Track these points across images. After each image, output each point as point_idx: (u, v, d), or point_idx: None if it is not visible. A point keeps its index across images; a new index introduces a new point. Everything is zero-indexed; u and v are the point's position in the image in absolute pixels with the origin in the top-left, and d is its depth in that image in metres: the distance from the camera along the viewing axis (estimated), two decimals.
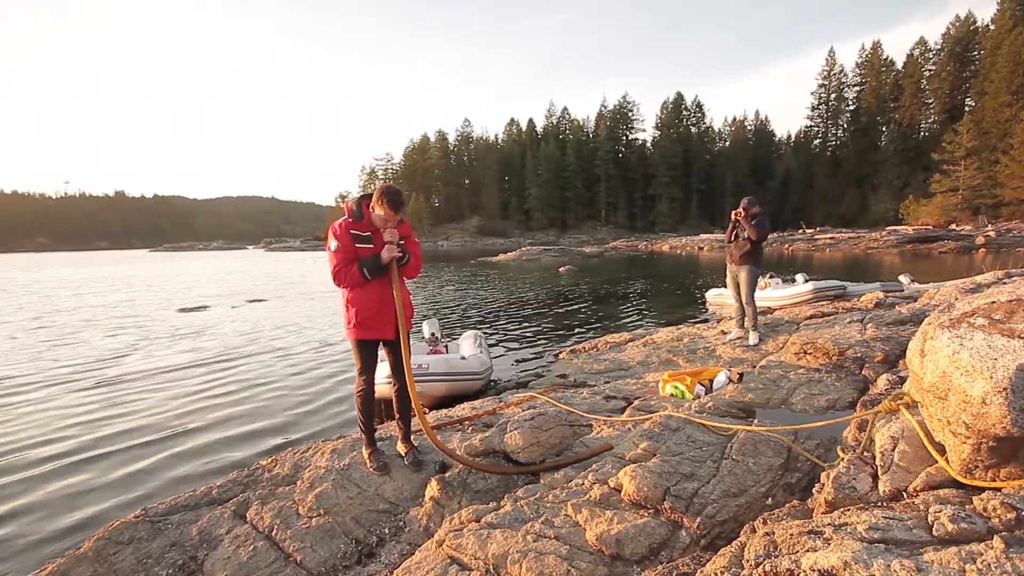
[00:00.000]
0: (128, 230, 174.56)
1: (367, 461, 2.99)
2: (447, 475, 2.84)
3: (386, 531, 2.54)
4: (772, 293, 10.10)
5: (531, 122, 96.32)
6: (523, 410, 3.76)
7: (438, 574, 2.01)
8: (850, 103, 74.12)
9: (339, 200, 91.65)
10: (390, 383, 3.10)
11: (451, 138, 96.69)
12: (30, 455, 4.49)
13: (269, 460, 3.30)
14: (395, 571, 2.14)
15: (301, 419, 5.31)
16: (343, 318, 2.92)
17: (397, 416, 3.14)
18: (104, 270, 37.12)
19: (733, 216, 5.87)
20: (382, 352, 3.07)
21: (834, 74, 74.84)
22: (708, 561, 1.75)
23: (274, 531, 2.52)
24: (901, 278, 10.75)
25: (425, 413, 4.31)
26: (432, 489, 2.73)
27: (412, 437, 3.18)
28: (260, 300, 16.13)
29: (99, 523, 3.20)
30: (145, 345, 9.25)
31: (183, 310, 14.13)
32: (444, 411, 4.41)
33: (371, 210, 2.82)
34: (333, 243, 2.79)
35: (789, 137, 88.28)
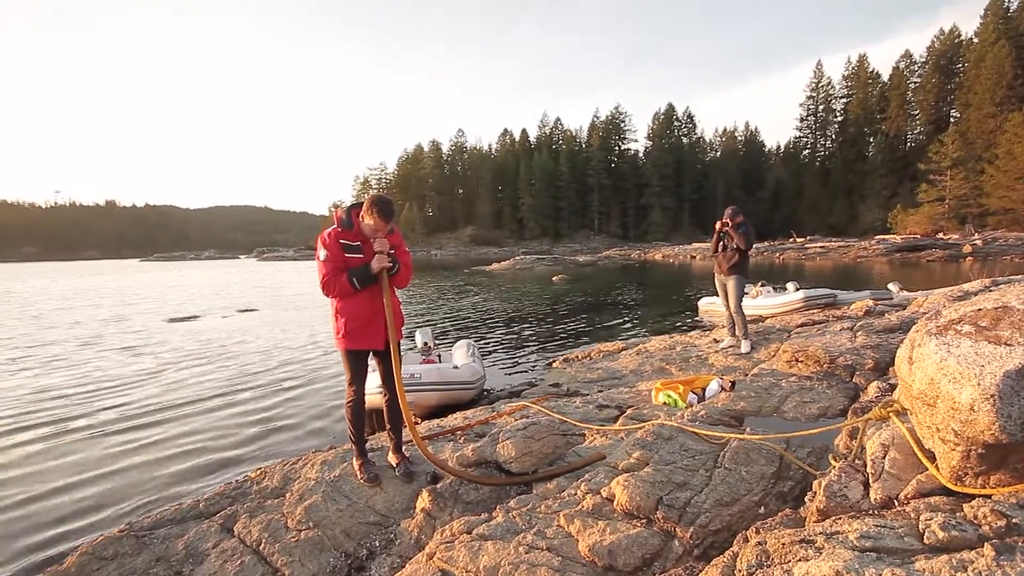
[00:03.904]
0: (119, 239, 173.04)
1: (358, 472, 2.95)
2: (438, 486, 2.81)
3: (376, 544, 2.51)
4: (764, 301, 10.17)
5: (524, 132, 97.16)
6: (516, 420, 3.74)
7: None
8: (838, 114, 75.30)
9: (332, 209, 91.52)
10: (381, 393, 3.08)
11: (445, 148, 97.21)
12: (9, 466, 4.40)
13: (257, 472, 3.25)
14: None
15: (291, 430, 5.25)
16: (333, 328, 2.89)
17: (388, 427, 3.11)
18: (93, 280, 36.71)
19: (718, 227, 5.91)
20: (373, 362, 3.05)
21: (822, 86, 76.15)
22: (701, 572, 1.74)
23: (262, 545, 2.48)
24: (890, 286, 10.88)
25: (417, 423, 4.27)
26: (423, 501, 2.70)
27: (404, 448, 3.14)
28: (252, 310, 16.01)
29: (83, 538, 3.13)
30: (131, 354, 9.13)
31: (173, 320, 13.98)
32: (436, 421, 4.38)
33: (361, 219, 2.81)
34: (322, 252, 2.77)
35: (779, 148, 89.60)
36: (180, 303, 18.85)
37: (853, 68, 72.96)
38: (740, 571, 1.54)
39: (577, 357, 7.14)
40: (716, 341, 6.61)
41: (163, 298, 21.18)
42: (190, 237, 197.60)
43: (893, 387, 3.51)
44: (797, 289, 9.99)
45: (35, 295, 24.20)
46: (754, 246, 5.97)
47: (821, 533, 1.54)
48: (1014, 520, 1.36)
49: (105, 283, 32.70)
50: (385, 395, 3.04)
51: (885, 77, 69.21)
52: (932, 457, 1.76)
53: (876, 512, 1.69)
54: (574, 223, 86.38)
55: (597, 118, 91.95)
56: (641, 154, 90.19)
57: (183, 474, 4.24)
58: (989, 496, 1.54)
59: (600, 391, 5.08)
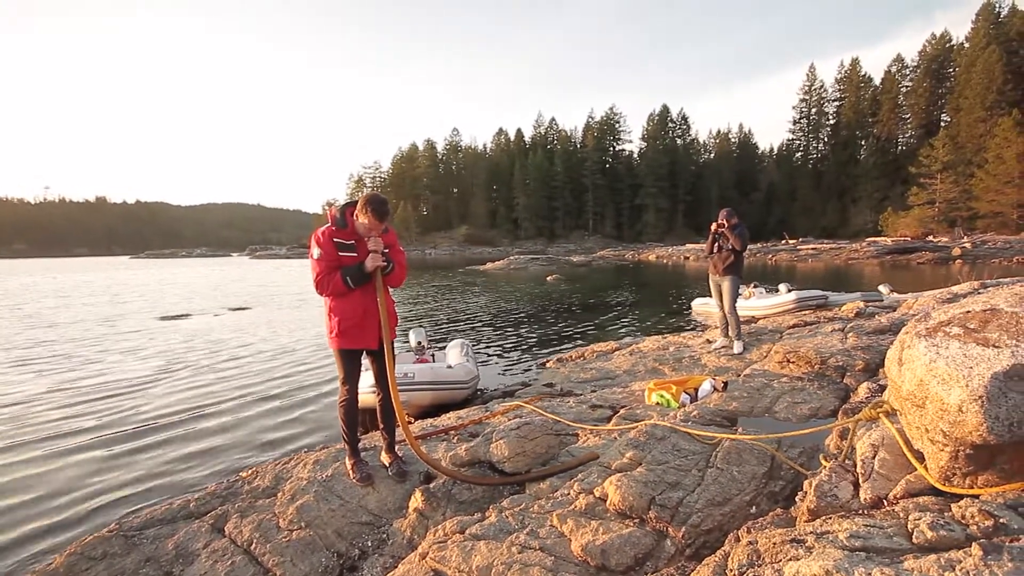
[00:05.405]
0: (110, 236, 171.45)
1: (350, 472, 2.94)
2: (432, 486, 2.81)
3: (369, 544, 2.50)
4: (756, 302, 10.23)
5: (519, 132, 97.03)
6: (509, 419, 3.73)
7: None
8: (830, 118, 75.86)
9: (325, 208, 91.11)
10: (374, 392, 3.07)
11: (440, 147, 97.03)
12: None
13: (249, 472, 3.23)
14: None
15: (283, 430, 5.22)
16: (326, 327, 2.88)
17: (381, 426, 3.10)
18: (83, 277, 36.31)
19: (714, 228, 5.94)
20: (366, 361, 3.04)
21: (815, 89, 76.63)
22: (692, 571, 1.75)
23: (253, 545, 2.46)
24: (881, 288, 10.97)
25: (410, 423, 4.26)
26: (416, 500, 2.69)
27: (397, 447, 3.14)
28: (244, 308, 15.91)
29: (71, 538, 3.10)
30: (120, 353, 9.05)
31: (164, 318, 13.87)
32: (430, 420, 4.37)
33: (355, 218, 2.80)
34: (316, 251, 2.76)
35: (772, 150, 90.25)
36: (172, 301, 18.69)
37: (845, 72, 73.54)
38: (731, 570, 1.55)
39: (571, 357, 7.15)
40: (709, 342, 6.64)
41: (154, 296, 20.99)
42: (182, 234, 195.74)
43: (883, 388, 3.54)
44: (789, 290, 10.05)
45: (26, 293, 23.90)
46: (747, 247, 6.01)
47: (811, 533, 1.55)
48: (1001, 520, 1.38)
49: (96, 280, 32.34)
50: (378, 394, 3.03)
51: (877, 81, 69.85)
52: (921, 457, 1.78)
53: (865, 512, 1.70)
54: (569, 223, 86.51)
55: (592, 119, 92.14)
56: (636, 155, 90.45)
57: (173, 474, 4.21)
58: (977, 496, 1.56)
59: (593, 391, 5.09)
